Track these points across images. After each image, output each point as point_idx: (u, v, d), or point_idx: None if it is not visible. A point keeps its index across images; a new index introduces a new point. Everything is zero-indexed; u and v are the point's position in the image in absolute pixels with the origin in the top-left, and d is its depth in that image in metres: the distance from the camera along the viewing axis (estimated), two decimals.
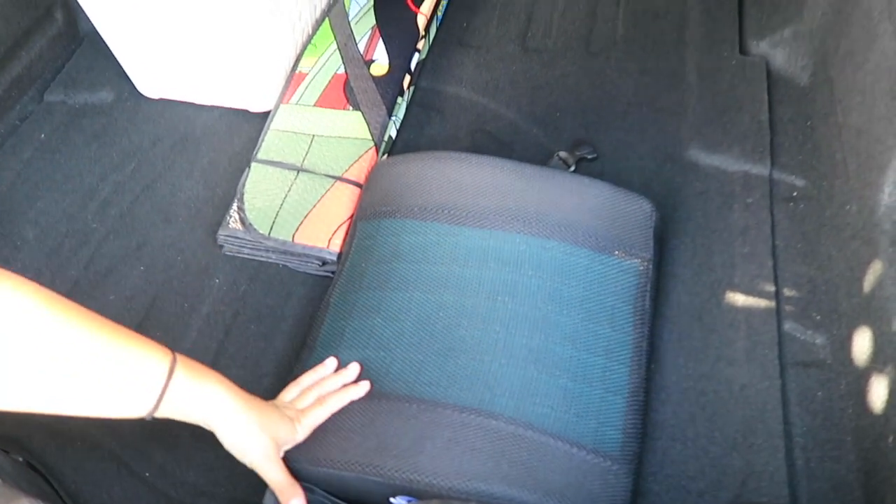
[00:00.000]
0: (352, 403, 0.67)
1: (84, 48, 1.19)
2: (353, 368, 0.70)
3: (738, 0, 1.11)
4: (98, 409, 0.54)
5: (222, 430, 0.60)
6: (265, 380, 0.82)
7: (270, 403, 0.65)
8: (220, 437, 0.60)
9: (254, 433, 0.60)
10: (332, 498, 0.64)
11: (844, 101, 0.87)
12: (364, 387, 0.68)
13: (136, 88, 1.12)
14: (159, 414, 0.56)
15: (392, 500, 0.64)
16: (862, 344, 0.75)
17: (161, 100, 1.11)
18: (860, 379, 0.74)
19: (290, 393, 0.69)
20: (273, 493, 0.62)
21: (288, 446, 0.64)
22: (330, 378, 0.70)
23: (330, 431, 0.65)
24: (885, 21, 0.79)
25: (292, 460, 0.64)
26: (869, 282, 0.75)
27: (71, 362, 0.51)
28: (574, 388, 0.68)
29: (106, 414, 0.54)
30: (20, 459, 0.75)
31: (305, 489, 0.62)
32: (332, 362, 0.72)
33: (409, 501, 0.63)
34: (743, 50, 1.05)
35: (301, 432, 0.65)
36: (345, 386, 0.69)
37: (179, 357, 0.58)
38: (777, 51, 1.03)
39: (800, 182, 0.92)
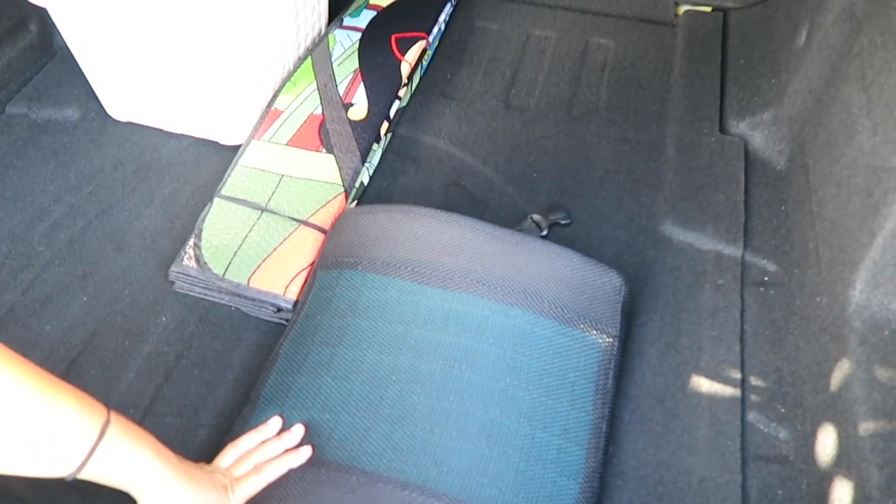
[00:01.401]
0: (290, 470, 0.63)
1: (55, 63, 1.16)
2: (297, 431, 0.66)
3: (721, 78, 1.12)
4: (18, 467, 0.50)
5: (147, 500, 0.56)
6: (202, 431, 0.77)
7: (204, 470, 0.61)
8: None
9: None
10: None
11: (820, 190, 0.87)
12: (305, 453, 0.64)
13: (103, 109, 1.08)
14: (83, 476, 0.52)
15: None
16: (826, 443, 0.72)
17: (129, 123, 1.08)
18: (822, 480, 0.71)
19: (227, 457, 0.65)
20: None
21: None
22: (271, 442, 0.65)
23: (263, 501, 0.60)
24: (863, 117, 0.79)
25: None
26: (836, 379, 0.73)
27: None
28: (526, 470, 0.64)
29: (22, 472, 0.50)
30: None
31: None
32: (275, 423, 0.67)
33: None
34: (723, 128, 1.06)
35: (235, 502, 0.60)
36: (286, 451, 0.65)
37: (115, 416, 0.54)
38: (756, 132, 1.03)
39: (771, 267, 0.90)
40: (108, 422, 0.53)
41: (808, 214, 0.88)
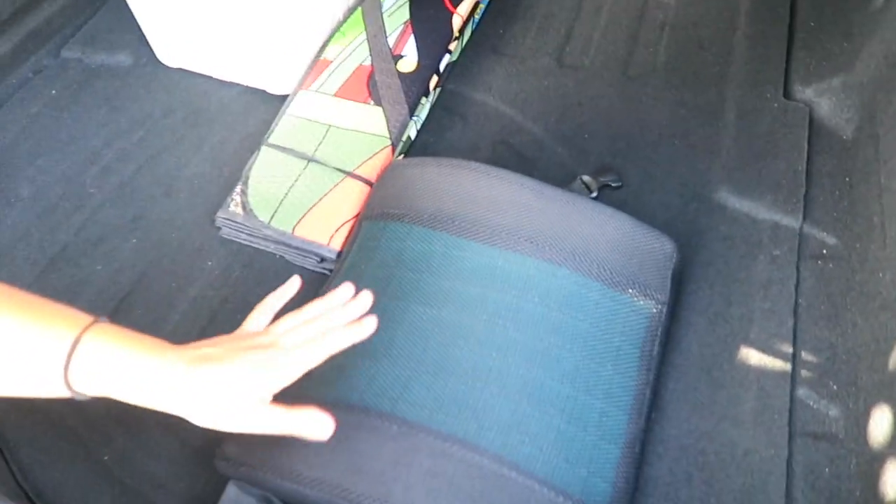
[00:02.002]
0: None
1: (108, 8, 1.16)
2: (365, 299, 0.59)
3: (788, 41, 1.07)
4: (9, 388, 0.47)
5: (181, 408, 0.49)
6: None
7: (231, 342, 0.54)
8: (189, 417, 0.50)
9: (218, 393, 0.49)
10: None
11: (890, 162, 0.82)
12: (370, 326, 0.57)
13: (154, 55, 1.08)
14: (83, 390, 0.48)
15: None
16: (879, 423, 0.70)
17: (179, 70, 1.08)
18: (873, 461, 0.69)
19: (286, 322, 0.57)
20: (228, 499, 0.57)
21: (272, 389, 0.52)
22: (335, 312, 0.58)
23: (299, 442, 0.60)
24: None
25: (252, 467, 0.59)
26: (895, 359, 0.70)
27: None
28: (567, 431, 0.63)
29: (20, 393, 0.48)
30: None
31: (263, 499, 0.57)
32: (346, 290, 0.60)
33: None
34: (787, 94, 1.01)
35: (287, 373, 0.53)
36: (351, 323, 0.58)
37: (102, 325, 0.48)
38: (823, 99, 0.98)
39: (831, 240, 0.87)
40: (86, 327, 0.48)
41: (875, 187, 0.84)
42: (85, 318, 0.49)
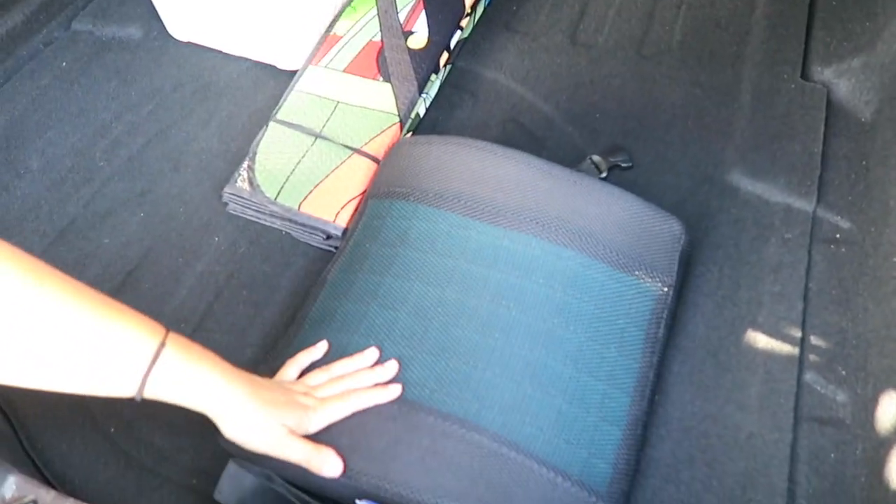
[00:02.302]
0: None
1: None
2: (391, 367, 0.64)
3: (808, 20, 1.04)
4: (78, 386, 0.50)
5: (221, 421, 0.55)
6: (249, 350, 0.78)
7: (283, 387, 0.60)
8: (220, 426, 0.56)
9: (259, 425, 0.56)
10: (294, 490, 0.60)
11: None
12: (395, 391, 0.62)
13: (165, 28, 1.08)
14: (148, 396, 0.51)
15: (358, 501, 0.60)
16: (887, 409, 0.69)
17: (189, 44, 1.07)
18: (879, 447, 0.68)
19: (316, 377, 0.63)
20: (228, 476, 0.58)
21: (300, 430, 0.59)
22: (364, 373, 0.63)
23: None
24: None
25: None
26: None
27: (50, 335, 0.47)
28: (569, 412, 0.63)
29: (88, 392, 0.50)
30: None
31: (263, 476, 0.58)
32: (372, 354, 0.65)
33: None
34: (805, 75, 0.98)
35: (315, 424, 0.59)
36: (376, 385, 0.63)
37: (173, 336, 0.53)
38: (842, 80, 0.96)
39: (845, 224, 0.85)
40: (164, 340, 0.52)
41: (892, 171, 0.82)
42: (159, 327, 0.53)
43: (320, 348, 0.67)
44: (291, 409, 0.58)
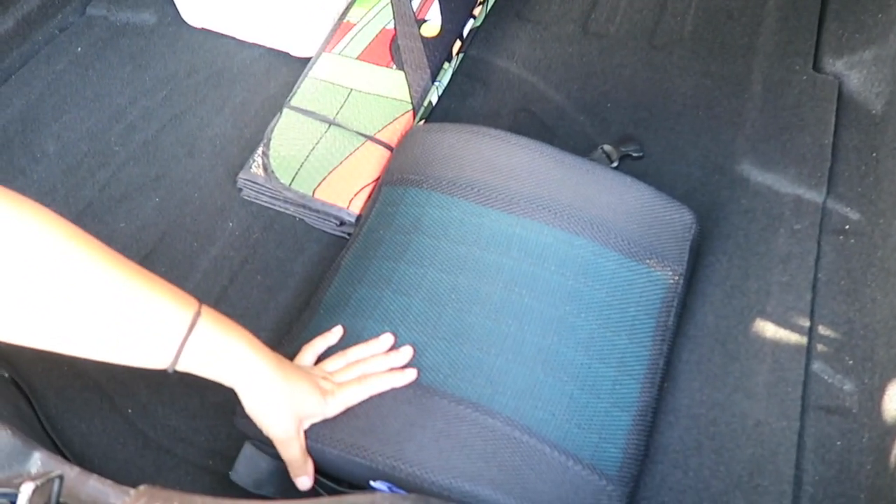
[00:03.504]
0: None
1: None
2: (406, 352, 0.64)
3: (820, 12, 1.04)
4: (113, 355, 0.50)
5: (246, 394, 0.56)
6: (263, 334, 0.77)
7: (302, 370, 0.61)
8: (243, 400, 0.56)
9: (279, 404, 0.56)
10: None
11: None
12: (411, 375, 0.63)
13: (179, 14, 1.08)
14: (180, 367, 0.52)
15: (372, 483, 0.61)
16: (894, 399, 0.70)
17: (203, 30, 1.08)
18: (885, 436, 0.69)
19: (333, 363, 0.64)
20: (244, 458, 0.59)
21: (314, 420, 0.60)
22: (379, 358, 0.64)
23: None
24: None
25: None
26: None
27: (88, 302, 0.47)
28: (580, 398, 0.64)
29: (121, 361, 0.51)
30: (5, 375, 0.74)
31: (279, 458, 0.59)
32: (387, 339, 0.66)
33: (389, 488, 0.60)
34: (816, 66, 0.99)
35: (332, 408, 0.60)
36: (392, 370, 0.64)
37: (205, 308, 0.53)
38: (853, 72, 0.96)
39: (854, 216, 0.86)
40: (199, 312, 0.52)
41: None
42: (192, 300, 0.53)
43: (335, 333, 0.67)
44: (312, 392, 0.58)
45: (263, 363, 0.55)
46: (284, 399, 0.56)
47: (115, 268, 0.48)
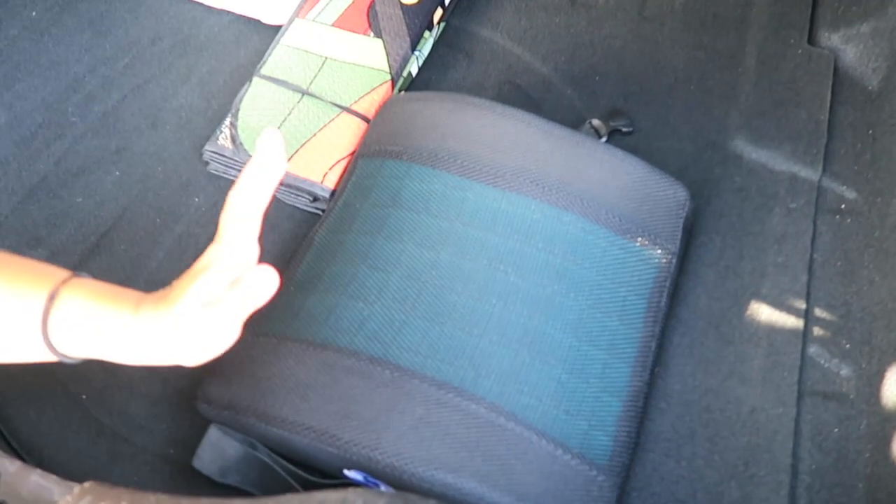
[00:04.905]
0: (313, 357, 0.59)
1: None
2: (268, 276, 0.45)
3: None
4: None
5: (158, 360, 0.45)
6: None
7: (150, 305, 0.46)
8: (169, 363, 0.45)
9: (149, 351, 0.45)
10: (279, 459, 0.57)
11: None
12: (267, 279, 0.44)
13: None
14: (64, 350, 0.45)
15: (347, 472, 0.57)
16: (892, 384, 0.67)
17: None
18: (884, 422, 0.66)
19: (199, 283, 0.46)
20: (209, 443, 0.54)
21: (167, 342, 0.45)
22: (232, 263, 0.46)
23: (285, 385, 0.57)
24: None
25: (235, 411, 0.56)
26: None
27: None
28: (568, 382, 0.60)
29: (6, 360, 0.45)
30: None
31: (246, 443, 0.55)
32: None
33: (365, 478, 0.56)
34: (812, 40, 0.95)
35: (172, 336, 0.44)
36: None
37: (77, 279, 0.45)
38: (850, 46, 0.93)
39: (851, 194, 0.83)
40: (62, 284, 0.45)
41: None
42: (61, 274, 0.46)
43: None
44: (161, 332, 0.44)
45: (140, 313, 0.44)
46: (145, 343, 0.45)
47: None
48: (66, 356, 0.46)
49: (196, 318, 0.44)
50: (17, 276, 0.45)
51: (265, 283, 0.45)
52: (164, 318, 0.44)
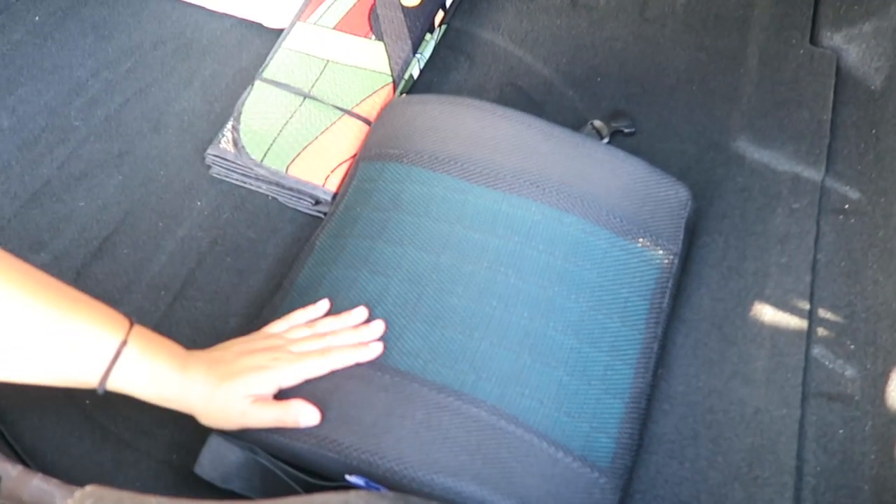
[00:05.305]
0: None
1: None
2: (377, 327, 0.60)
3: None
4: (39, 379, 0.50)
5: (188, 411, 0.56)
6: (233, 319, 0.74)
7: (241, 353, 0.58)
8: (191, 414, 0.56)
9: (220, 405, 0.55)
10: (280, 463, 0.57)
11: None
12: (376, 349, 0.59)
13: None
14: (112, 388, 0.52)
15: (348, 477, 0.57)
16: None
17: None
18: (890, 423, 0.65)
19: (299, 332, 0.61)
20: (210, 450, 0.55)
21: (266, 390, 0.57)
22: (348, 332, 0.60)
23: (285, 392, 0.57)
24: None
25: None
26: None
27: (7, 331, 0.46)
28: (570, 384, 0.60)
29: (48, 383, 0.51)
30: None
31: (247, 449, 0.55)
32: (360, 313, 0.61)
33: (366, 482, 0.55)
34: (814, 40, 0.95)
35: (287, 378, 0.57)
36: (359, 345, 0.60)
37: (136, 330, 0.53)
38: (852, 46, 0.92)
39: (854, 194, 0.82)
40: (126, 338, 0.52)
41: None
42: (123, 321, 0.53)
43: (321, 307, 0.63)
44: (253, 373, 0.56)
45: (192, 379, 0.55)
46: (220, 400, 0.55)
47: (39, 293, 0.48)
48: (104, 389, 0.52)
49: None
50: (85, 314, 0.51)
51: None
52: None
